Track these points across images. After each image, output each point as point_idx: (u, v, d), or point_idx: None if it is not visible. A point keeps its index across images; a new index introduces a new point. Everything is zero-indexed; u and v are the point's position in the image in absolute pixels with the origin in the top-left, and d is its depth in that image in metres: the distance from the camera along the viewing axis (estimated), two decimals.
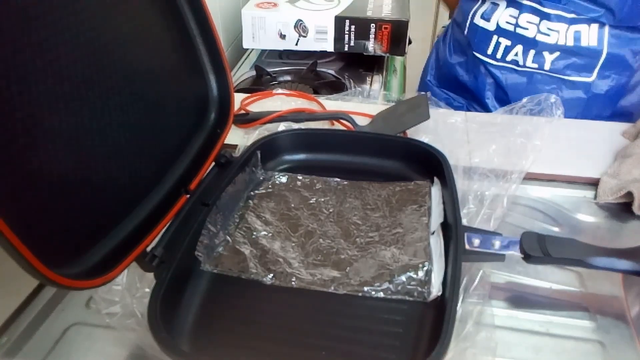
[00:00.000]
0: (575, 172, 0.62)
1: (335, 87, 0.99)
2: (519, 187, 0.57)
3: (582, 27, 0.74)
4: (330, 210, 0.54)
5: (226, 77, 0.55)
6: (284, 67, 1.09)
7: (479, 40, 0.82)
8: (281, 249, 0.49)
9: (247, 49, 1.16)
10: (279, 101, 0.76)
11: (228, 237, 0.50)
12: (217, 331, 0.42)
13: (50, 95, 0.35)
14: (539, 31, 0.76)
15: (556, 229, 0.55)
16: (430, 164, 0.56)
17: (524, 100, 0.67)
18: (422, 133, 0.64)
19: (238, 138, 0.65)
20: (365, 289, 0.45)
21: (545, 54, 0.77)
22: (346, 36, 1.04)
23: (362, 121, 0.69)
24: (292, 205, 0.54)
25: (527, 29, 0.77)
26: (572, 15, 0.73)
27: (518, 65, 0.80)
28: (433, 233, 0.50)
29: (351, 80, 1.03)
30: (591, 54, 0.75)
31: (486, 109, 0.84)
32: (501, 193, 0.55)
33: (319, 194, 0.56)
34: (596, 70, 0.76)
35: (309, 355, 0.40)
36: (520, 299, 0.48)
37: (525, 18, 0.77)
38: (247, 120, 0.70)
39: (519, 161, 0.58)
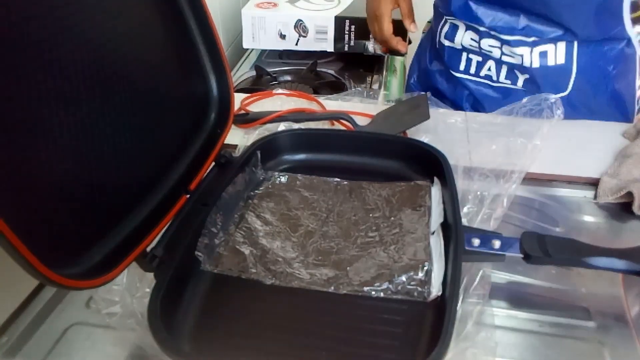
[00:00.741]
0: (575, 172, 0.62)
1: (335, 87, 0.99)
2: (519, 187, 0.57)
3: (548, 47, 0.71)
4: (331, 210, 0.54)
5: (226, 77, 0.55)
6: (284, 67, 1.09)
7: (449, 58, 0.80)
8: (281, 249, 0.49)
9: (247, 49, 1.16)
10: (279, 101, 0.76)
11: (228, 237, 0.50)
12: (217, 331, 0.42)
13: (50, 96, 0.35)
14: (503, 53, 0.73)
15: (556, 229, 0.55)
16: (430, 164, 0.56)
17: (524, 100, 0.67)
18: (422, 133, 0.64)
19: (238, 138, 0.65)
20: (365, 289, 0.45)
21: (517, 72, 0.74)
22: (346, 36, 1.04)
23: (362, 121, 0.69)
24: (292, 205, 0.54)
25: (490, 51, 0.75)
26: (533, 39, 0.71)
27: (492, 81, 0.77)
28: (433, 233, 0.50)
29: (351, 80, 1.03)
30: (561, 71, 0.73)
31: None
32: (501, 193, 0.55)
33: (319, 194, 0.56)
34: (570, 85, 0.73)
35: (310, 355, 0.40)
36: (520, 299, 0.48)
37: (487, 42, 0.74)
38: (247, 120, 0.70)
39: (519, 161, 0.58)
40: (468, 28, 0.75)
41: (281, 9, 1.08)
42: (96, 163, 0.39)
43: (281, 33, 1.06)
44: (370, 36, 0.98)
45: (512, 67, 0.74)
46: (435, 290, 0.44)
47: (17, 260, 0.30)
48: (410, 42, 0.96)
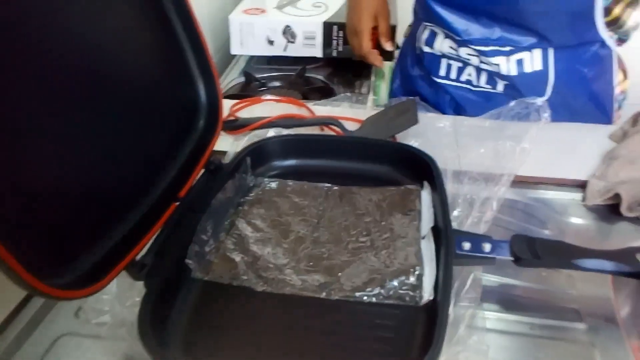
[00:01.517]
0: (563, 174, 0.62)
1: (324, 93, 0.99)
2: (508, 190, 0.57)
3: (524, 55, 0.72)
4: (321, 216, 0.54)
5: (214, 83, 0.55)
6: (273, 72, 1.09)
7: (429, 63, 0.80)
8: (272, 256, 0.49)
9: (236, 55, 1.16)
10: (269, 107, 0.76)
11: (219, 245, 0.49)
12: (209, 339, 0.42)
13: (36, 103, 0.34)
14: (481, 62, 0.74)
15: (546, 232, 0.56)
16: (419, 168, 0.56)
17: (512, 103, 0.68)
18: (411, 137, 0.64)
19: (227, 144, 0.65)
20: (357, 294, 0.45)
21: (496, 78, 0.75)
22: (334, 42, 1.04)
23: (351, 126, 0.69)
24: (283, 211, 0.54)
25: (469, 59, 0.76)
26: (509, 48, 0.72)
27: (473, 86, 0.78)
28: (424, 237, 0.50)
29: (340, 86, 1.03)
30: (538, 77, 0.74)
31: None
32: (491, 196, 0.55)
33: (309, 200, 0.56)
34: (548, 90, 0.74)
35: None
36: (512, 301, 0.48)
37: (464, 50, 0.75)
38: (236, 126, 0.69)
39: (507, 164, 0.59)
40: (447, 36, 0.76)
41: (269, 14, 1.08)
42: (84, 170, 0.39)
43: (269, 39, 1.06)
44: None
45: (491, 74, 0.75)
46: (427, 294, 0.44)
47: (4, 270, 0.29)
48: (398, 47, 0.97)
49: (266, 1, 1.15)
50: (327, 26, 1.03)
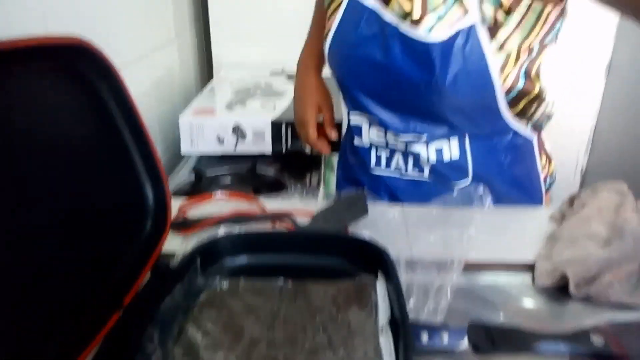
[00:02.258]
0: (510, 257, 0.64)
1: (275, 187, 1.00)
2: (461, 277, 0.58)
3: (442, 144, 0.76)
4: (276, 315, 0.52)
5: (163, 186, 0.55)
6: (224, 167, 1.10)
7: (361, 154, 0.84)
8: None
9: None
10: (219, 204, 0.76)
11: (166, 355, 0.46)
12: None
13: None
14: (406, 147, 0.78)
15: (501, 315, 0.56)
16: (373, 259, 0.56)
17: (455, 193, 0.70)
18: (362, 228, 0.65)
19: (176, 244, 0.63)
20: None
21: (423, 163, 0.79)
22: (283, 138, 1.08)
23: (303, 220, 0.69)
24: (235, 312, 0.52)
25: (396, 144, 0.80)
26: (425, 137, 0.76)
27: (402, 174, 0.82)
28: (382, 331, 0.49)
29: (291, 179, 1.05)
30: (458, 164, 0.77)
31: None
32: (444, 283, 0.55)
33: (263, 298, 0.54)
34: (470, 175, 0.78)
35: None
36: None
37: (392, 136, 0.79)
38: (185, 226, 0.68)
39: (456, 251, 0.60)
40: (372, 124, 0.80)
41: (218, 115, 1.11)
42: (12, 282, 0.36)
43: (219, 137, 1.08)
44: None
45: (417, 158, 0.79)
46: None
47: None
48: None
49: (216, 101, 1.19)
50: (276, 125, 1.07)
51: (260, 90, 1.25)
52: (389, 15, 0.71)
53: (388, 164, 0.82)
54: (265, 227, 0.69)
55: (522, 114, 0.75)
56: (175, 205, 0.72)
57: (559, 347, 0.44)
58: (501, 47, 0.68)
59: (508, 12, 0.67)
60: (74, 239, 0.43)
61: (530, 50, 0.70)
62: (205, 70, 1.56)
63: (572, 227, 0.66)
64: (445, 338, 0.44)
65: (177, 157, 1.19)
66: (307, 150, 1.08)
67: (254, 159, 1.08)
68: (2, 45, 0.35)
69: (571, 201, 0.73)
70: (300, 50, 0.95)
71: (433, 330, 0.45)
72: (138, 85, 1.07)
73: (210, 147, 1.10)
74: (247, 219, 0.69)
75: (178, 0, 1.34)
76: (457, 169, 0.78)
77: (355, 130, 0.83)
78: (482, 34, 0.67)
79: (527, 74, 0.72)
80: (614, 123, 1.74)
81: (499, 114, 0.73)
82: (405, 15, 0.69)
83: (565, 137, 1.74)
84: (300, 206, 0.75)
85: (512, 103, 0.73)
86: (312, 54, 0.93)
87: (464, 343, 0.44)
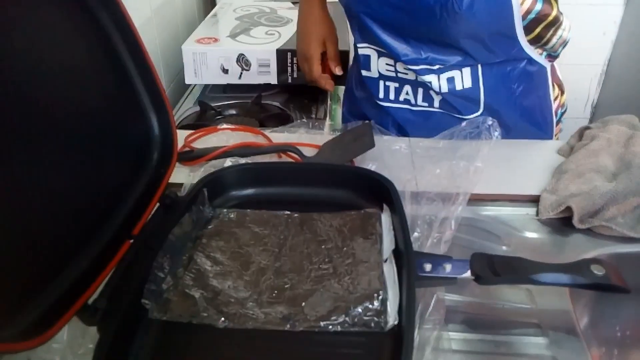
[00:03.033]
0: (516, 190, 0.64)
1: (281, 119, 0.99)
2: (465, 209, 0.58)
3: (454, 73, 0.74)
4: (282, 245, 0.53)
5: (168, 115, 0.54)
6: (229, 101, 1.08)
7: (369, 86, 0.82)
8: (233, 289, 0.47)
9: (190, 84, 1.15)
10: (225, 136, 0.75)
11: (177, 281, 0.48)
12: None
13: None
14: (418, 76, 0.76)
15: (503, 247, 0.57)
16: (378, 192, 0.56)
17: (463, 124, 0.69)
18: (368, 161, 0.64)
19: (183, 176, 0.64)
20: (322, 324, 0.44)
21: (432, 93, 0.78)
22: (289, 68, 1.05)
23: (309, 152, 0.69)
24: (243, 242, 0.53)
25: (406, 73, 0.78)
26: (438, 66, 0.73)
27: (411, 105, 0.80)
28: (386, 260, 0.50)
29: (297, 112, 1.04)
30: (470, 93, 0.76)
31: None
32: (448, 216, 0.56)
33: (269, 229, 0.55)
34: (481, 106, 0.77)
35: None
36: (475, 320, 0.48)
37: (402, 66, 0.76)
38: (191, 157, 0.68)
39: (462, 183, 0.60)
40: (381, 55, 0.78)
41: (222, 43, 1.07)
42: (30, 211, 0.37)
43: (223, 67, 1.06)
44: None
45: (427, 90, 0.77)
46: (392, 319, 0.43)
47: None
48: None
49: (219, 30, 1.15)
50: (281, 53, 1.04)
51: (265, 17, 1.21)
52: None
53: (397, 96, 0.80)
54: (271, 159, 0.69)
55: (537, 40, 0.73)
56: (181, 137, 0.72)
57: (560, 277, 0.45)
58: None
59: None
60: (84, 168, 0.43)
61: None
62: None
63: (579, 160, 0.65)
64: (448, 268, 0.45)
65: (181, 89, 1.17)
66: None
67: (260, 91, 1.07)
68: None
69: (580, 134, 0.73)
70: None
71: (436, 260, 0.46)
72: (139, 14, 1.03)
73: (215, 78, 1.07)
74: (253, 150, 0.69)
75: None
76: (468, 99, 0.76)
77: (363, 62, 0.81)
78: None
79: None
80: (629, 55, 1.68)
81: (515, 39, 0.71)
82: None
83: (578, 69, 1.69)
84: (306, 139, 0.74)
85: (528, 28, 0.71)
86: None
87: (467, 273, 0.45)
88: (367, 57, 0.80)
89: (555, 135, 0.83)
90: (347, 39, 1.01)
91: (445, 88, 0.75)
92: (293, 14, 1.13)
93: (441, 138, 0.70)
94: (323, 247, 0.52)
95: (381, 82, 0.81)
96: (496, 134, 0.66)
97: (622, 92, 1.73)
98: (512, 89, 0.76)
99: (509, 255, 0.48)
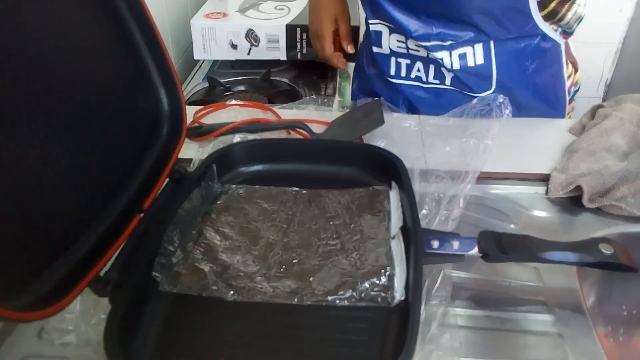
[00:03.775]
0: (526, 169, 0.64)
1: (290, 96, 0.99)
2: (474, 187, 0.58)
3: (466, 49, 0.73)
4: (291, 221, 0.53)
5: (177, 90, 0.54)
6: (237, 77, 1.08)
7: (380, 63, 0.81)
8: (242, 263, 0.48)
9: (199, 60, 1.14)
10: (233, 112, 0.75)
11: (186, 255, 0.48)
12: (180, 354, 0.41)
13: None
14: (429, 53, 0.75)
15: (512, 226, 0.57)
16: (387, 169, 0.56)
17: (474, 101, 0.69)
18: (377, 138, 0.64)
19: (192, 152, 0.64)
20: (329, 298, 0.44)
21: (444, 70, 0.76)
22: (298, 44, 1.04)
23: (318, 129, 0.69)
24: (252, 217, 0.54)
25: (418, 50, 0.76)
26: (450, 42, 0.72)
27: (422, 82, 0.79)
28: (393, 237, 0.50)
29: (306, 88, 1.03)
30: (482, 70, 0.74)
31: None
32: (457, 194, 0.56)
33: (278, 205, 0.55)
34: (494, 83, 0.75)
35: None
36: (482, 297, 0.49)
37: (413, 42, 0.75)
38: (200, 133, 0.68)
39: (472, 161, 0.60)
40: (392, 31, 0.77)
41: (231, 18, 1.07)
42: (41, 185, 0.37)
43: (232, 43, 1.05)
44: None
45: (438, 67, 0.76)
46: (399, 294, 0.44)
47: None
48: None
49: (228, 5, 1.14)
50: (290, 29, 1.03)
51: None
52: None
53: (408, 73, 0.79)
54: (280, 135, 0.69)
55: (552, 16, 0.72)
56: (190, 113, 0.72)
57: (568, 256, 0.45)
58: None
59: None
60: (95, 142, 0.43)
61: None
62: None
63: (591, 138, 0.64)
64: (455, 245, 0.45)
65: (189, 65, 1.17)
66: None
67: (269, 67, 1.06)
68: None
69: (593, 112, 0.72)
70: None
71: (444, 237, 0.46)
72: None
73: (223, 53, 1.07)
74: (262, 127, 0.69)
75: None
76: (480, 76, 0.75)
77: (374, 38, 0.80)
78: None
79: None
80: None
81: (529, 15, 0.69)
82: None
83: (592, 46, 1.66)
84: (315, 116, 0.74)
85: (543, 3, 0.69)
86: None
87: (474, 250, 0.45)
88: (379, 33, 0.79)
89: (567, 114, 0.82)
90: (358, 14, 1.00)
91: (457, 65, 0.74)
92: None
93: (451, 116, 0.70)
94: (331, 223, 0.53)
95: (392, 59, 0.80)
96: (507, 111, 0.65)
97: (637, 71, 1.70)
98: (525, 65, 0.75)
99: (517, 233, 0.48)
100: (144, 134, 0.52)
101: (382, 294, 0.44)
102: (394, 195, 0.55)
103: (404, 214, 0.51)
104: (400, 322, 0.42)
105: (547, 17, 0.71)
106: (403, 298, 0.43)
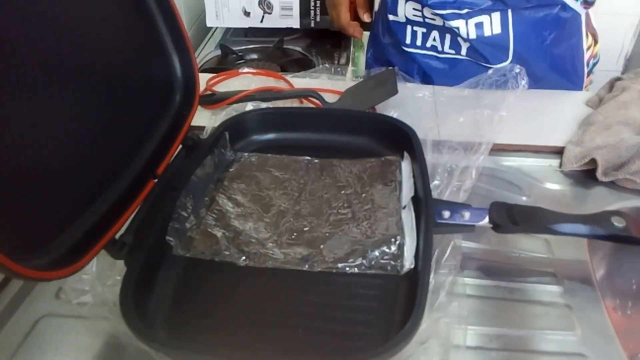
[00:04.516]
0: (540, 141, 0.63)
1: (302, 64, 0.98)
2: (487, 158, 0.58)
3: (483, 18, 0.72)
4: (302, 189, 0.53)
5: (190, 57, 0.54)
6: (250, 45, 1.07)
7: (396, 31, 0.80)
8: (254, 230, 0.49)
9: (212, 27, 1.13)
10: (246, 80, 0.75)
11: (199, 221, 0.49)
12: (192, 316, 0.42)
13: (5, 82, 0.33)
14: (445, 21, 0.74)
15: (524, 198, 0.57)
16: (399, 139, 0.56)
17: (490, 72, 0.68)
18: (390, 108, 0.64)
19: (205, 119, 0.64)
20: (339, 265, 0.45)
21: (460, 40, 0.75)
22: (312, 12, 1.03)
23: (330, 98, 0.69)
24: (264, 185, 0.54)
25: (434, 19, 0.75)
26: (467, 10, 0.71)
27: (438, 52, 0.78)
28: (404, 207, 0.50)
29: (319, 57, 1.02)
30: (499, 40, 0.73)
31: None
32: (470, 165, 0.55)
33: (290, 173, 0.56)
34: (510, 54, 0.74)
35: (286, 333, 0.41)
36: (491, 267, 0.49)
37: (429, 10, 0.74)
38: (213, 100, 0.68)
39: (486, 133, 0.59)
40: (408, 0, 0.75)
41: None
42: (58, 150, 0.38)
43: (245, 10, 1.04)
44: None
45: (454, 36, 0.75)
46: (408, 263, 0.44)
47: None
48: None
49: None
50: None
51: None
52: None
53: (424, 42, 0.78)
54: (292, 104, 0.69)
55: None
56: (203, 80, 0.72)
57: (579, 228, 0.45)
58: None
59: None
60: (109, 108, 0.44)
61: None
62: None
63: (608, 111, 0.63)
64: (466, 216, 0.46)
65: (202, 33, 1.16)
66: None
67: (282, 35, 1.05)
68: None
69: (611, 85, 0.70)
70: None
71: (455, 208, 0.46)
72: None
73: (236, 21, 1.06)
74: (275, 95, 0.69)
75: None
76: (496, 47, 0.74)
77: (390, 6, 0.78)
78: None
79: None
80: None
81: None
82: None
83: (613, 18, 1.61)
84: (328, 85, 0.74)
85: None
86: None
87: (485, 220, 0.45)
88: (395, 0, 0.77)
89: (585, 87, 0.81)
90: None
91: (473, 34, 0.72)
92: None
93: (466, 86, 0.69)
94: (342, 192, 0.53)
95: (408, 27, 0.78)
96: (523, 82, 0.64)
97: None
98: (543, 36, 0.73)
99: (529, 205, 0.47)
100: (157, 101, 0.53)
101: (392, 262, 0.45)
102: (406, 166, 0.55)
103: (415, 184, 0.51)
104: (409, 290, 0.42)
105: None
106: (412, 267, 0.44)
